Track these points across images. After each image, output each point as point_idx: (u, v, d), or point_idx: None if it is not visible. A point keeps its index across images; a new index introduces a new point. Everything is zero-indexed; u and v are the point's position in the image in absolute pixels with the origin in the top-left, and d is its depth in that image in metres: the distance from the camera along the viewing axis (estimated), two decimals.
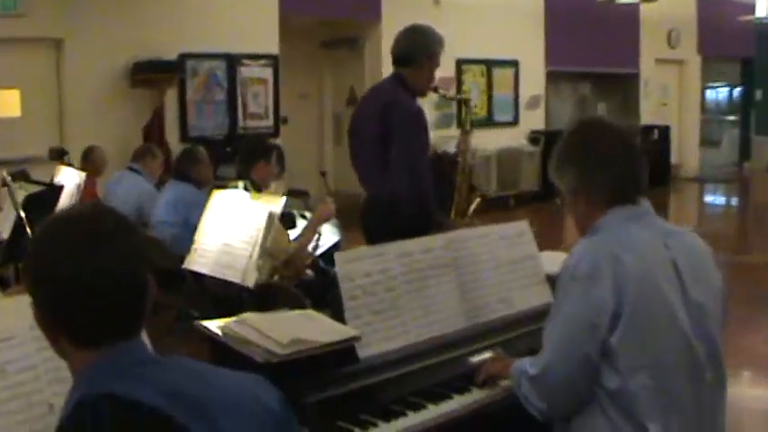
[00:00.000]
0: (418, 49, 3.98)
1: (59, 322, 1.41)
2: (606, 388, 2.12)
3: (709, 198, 14.71)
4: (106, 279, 1.38)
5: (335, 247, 5.68)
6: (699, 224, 11.95)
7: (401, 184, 3.81)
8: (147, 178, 6.05)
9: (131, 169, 6.14)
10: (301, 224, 4.77)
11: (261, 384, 1.56)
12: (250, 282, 3.35)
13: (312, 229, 4.37)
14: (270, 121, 9.67)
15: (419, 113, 3.92)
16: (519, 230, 3.11)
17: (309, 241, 4.38)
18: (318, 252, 4.71)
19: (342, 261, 2.53)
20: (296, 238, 4.36)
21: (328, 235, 5.27)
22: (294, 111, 10.52)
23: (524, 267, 3.03)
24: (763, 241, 9.36)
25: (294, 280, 4.24)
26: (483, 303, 2.83)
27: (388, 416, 2.30)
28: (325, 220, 4.47)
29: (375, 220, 4.03)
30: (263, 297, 3.48)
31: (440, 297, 2.72)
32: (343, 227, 5.66)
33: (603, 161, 2.27)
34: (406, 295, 2.63)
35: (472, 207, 4.66)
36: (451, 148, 4.48)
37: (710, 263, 2.30)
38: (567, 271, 2.22)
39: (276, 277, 3.82)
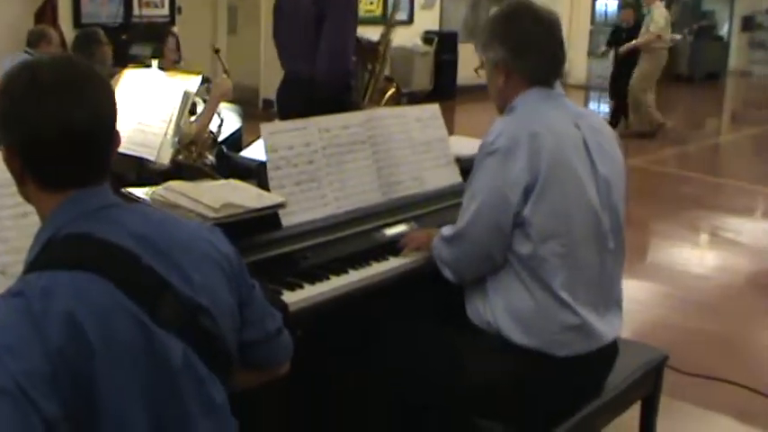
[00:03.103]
0: None
1: (25, 164, 1.45)
2: (519, 254, 2.30)
3: (593, 105, 15.15)
4: (70, 125, 1.41)
5: (238, 132, 5.70)
6: None
7: (326, 64, 3.87)
8: None
9: (27, 53, 5.93)
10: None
11: (215, 232, 1.64)
12: (165, 159, 3.36)
13: (212, 108, 4.32)
14: (165, 10, 9.43)
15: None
16: (432, 113, 3.22)
17: (210, 120, 4.37)
18: (221, 138, 4.72)
19: (267, 132, 2.60)
20: (196, 119, 4.34)
21: (230, 121, 5.28)
22: (189, 0, 10.26)
23: (435, 149, 3.15)
24: (636, 144, 9.82)
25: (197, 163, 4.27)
26: (397, 180, 2.95)
27: (313, 279, 2.42)
28: (223, 98, 4.45)
29: (293, 100, 4.09)
30: (176, 176, 3.51)
31: (357, 172, 2.82)
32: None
33: (527, 45, 2.40)
34: (326, 168, 2.73)
35: (387, 95, 4.75)
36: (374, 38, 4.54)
37: (614, 142, 2.49)
38: (484, 147, 2.36)
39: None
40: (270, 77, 10.40)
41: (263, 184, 2.60)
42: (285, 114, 4.31)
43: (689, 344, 3.97)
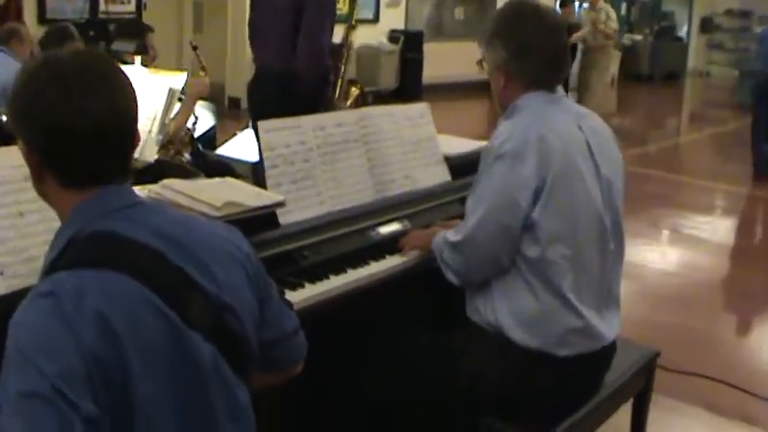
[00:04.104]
0: None
1: (45, 159, 1.42)
2: (526, 256, 2.29)
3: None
4: (92, 119, 1.38)
5: (212, 130, 5.66)
6: None
7: (306, 59, 3.86)
8: (17, 59, 5.74)
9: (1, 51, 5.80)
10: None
11: (234, 231, 1.62)
12: (150, 156, 3.32)
13: (189, 106, 4.28)
14: (132, 6, 9.35)
15: None
16: (421, 112, 3.21)
17: (187, 119, 4.32)
18: (195, 135, 4.68)
19: (263, 130, 2.57)
20: (173, 117, 4.29)
21: (204, 119, 5.23)
22: None
23: (425, 147, 3.15)
24: None
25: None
26: (389, 179, 2.94)
27: (313, 278, 2.40)
28: (201, 95, 4.40)
29: (268, 95, 4.06)
30: (159, 174, 3.46)
31: (350, 170, 2.81)
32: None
33: (528, 48, 2.38)
34: (321, 167, 2.71)
35: (351, 97, 4.74)
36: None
37: (613, 142, 2.50)
38: (491, 149, 2.34)
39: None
40: (236, 75, 10.37)
41: (260, 183, 2.57)
42: (258, 110, 4.29)
43: (660, 339, 4.02)
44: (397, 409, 2.48)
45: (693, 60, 19.73)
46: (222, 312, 1.45)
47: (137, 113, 1.47)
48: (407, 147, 3.06)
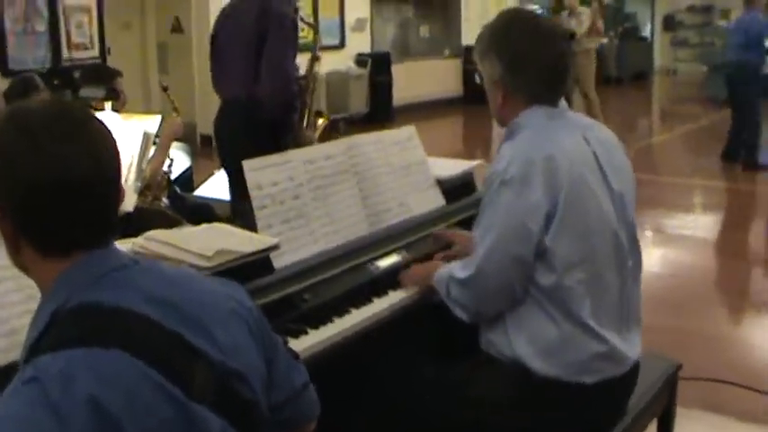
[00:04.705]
0: None
1: (20, 226, 1.26)
2: (541, 286, 2.14)
3: None
4: (69, 176, 1.23)
5: (188, 171, 5.51)
6: None
7: (270, 83, 3.77)
8: None
9: None
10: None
11: (233, 285, 1.48)
12: (129, 206, 3.18)
13: (164, 148, 4.15)
14: (95, 51, 9.17)
15: (294, 22, 3.86)
16: (408, 135, 3.08)
17: (163, 161, 4.19)
18: (172, 178, 4.54)
19: (250, 168, 2.42)
20: (149, 161, 4.15)
21: (179, 160, 5.09)
22: (118, 40, 10.02)
23: (416, 172, 3.02)
24: None
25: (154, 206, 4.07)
26: (383, 209, 2.81)
27: (316, 323, 2.26)
28: (174, 136, 4.27)
29: (233, 126, 3.95)
30: (139, 223, 3.32)
31: (343, 203, 2.67)
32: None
33: (522, 60, 2.23)
34: (312, 203, 2.57)
35: (319, 128, 4.64)
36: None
37: (621, 152, 2.36)
38: (495, 175, 2.18)
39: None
40: (205, 113, 10.19)
41: (249, 225, 2.42)
42: (225, 143, 4.19)
43: (656, 343, 3.91)
44: None
45: (659, 59, 19.81)
46: (228, 379, 1.30)
47: (119, 164, 1.32)
48: (399, 173, 2.93)
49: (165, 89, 4.20)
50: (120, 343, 1.19)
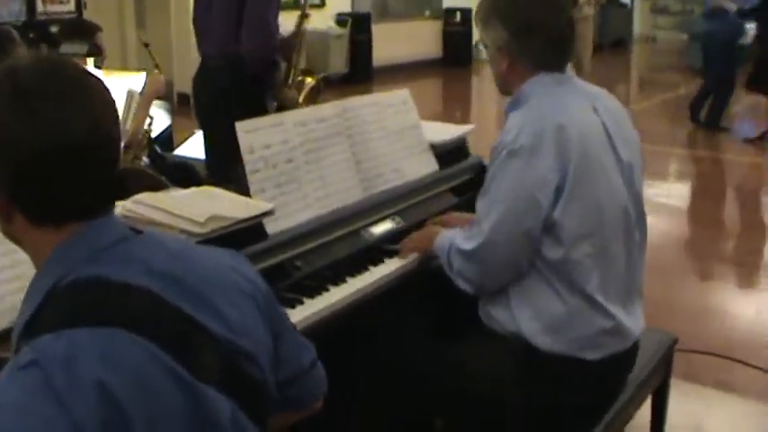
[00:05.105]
0: None
1: (13, 194, 1.15)
2: (548, 259, 2.08)
3: None
4: (66, 139, 1.12)
5: (168, 130, 5.38)
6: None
7: (252, 39, 3.64)
8: None
9: None
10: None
11: (238, 257, 1.39)
12: None
13: (145, 106, 4.01)
14: (71, 6, 8.90)
15: None
16: (403, 99, 2.99)
17: (144, 120, 4.06)
18: (152, 136, 4.41)
19: (242, 131, 2.32)
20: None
21: (159, 118, 4.95)
22: None
23: (410, 136, 2.93)
24: None
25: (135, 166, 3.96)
26: (377, 174, 2.72)
27: (312, 292, 2.17)
28: (156, 94, 4.14)
29: (215, 83, 3.83)
30: (122, 184, 3.21)
31: (336, 168, 2.58)
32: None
33: (531, 26, 2.14)
34: (305, 166, 2.48)
35: (307, 88, 4.52)
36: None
37: (629, 121, 2.28)
38: (503, 145, 2.09)
39: None
40: (184, 70, 9.99)
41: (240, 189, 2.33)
42: (202, 100, 4.08)
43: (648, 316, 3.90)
44: (410, 424, 2.29)
45: (639, 26, 19.72)
46: (236, 359, 1.21)
47: (117, 129, 1.21)
48: (393, 137, 2.84)
49: (146, 45, 4.05)
50: (125, 321, 1.10)
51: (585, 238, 2.05)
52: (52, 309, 1.12)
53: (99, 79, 1.23)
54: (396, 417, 2.37)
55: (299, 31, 4.31)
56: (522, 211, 2.04)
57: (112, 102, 1.22)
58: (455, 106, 12.31)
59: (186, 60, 9.63)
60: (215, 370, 1.17)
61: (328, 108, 2.64)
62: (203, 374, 1.14)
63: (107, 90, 1.22)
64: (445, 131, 3.18)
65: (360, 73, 12.48)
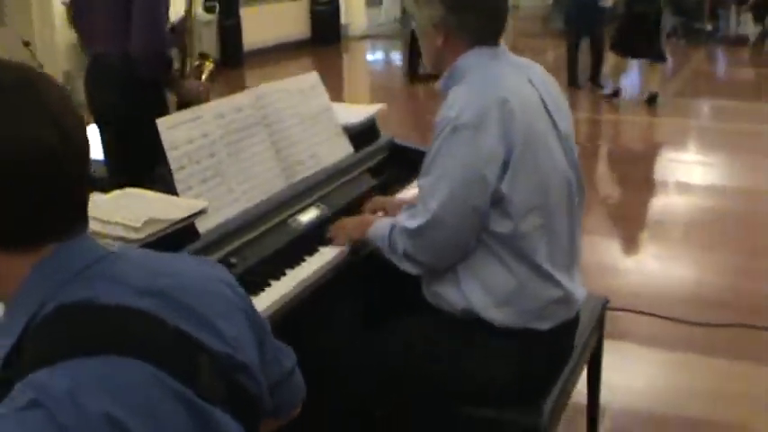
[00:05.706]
0: None
1: None
2: (497, 234, 2.06)
3: (377, 55, 15.11)
4: (37, 147, 1.00)
5: None
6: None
7: (142, 40, 3.47)
8: None
9: None
10: None
11: (218, 267, 1.31)
12: None
13: None
14: None
15: None
16: (312, 83, 2.93)
17: None
18: None
19: (164, 127, 2.22)
20: None
21: None
22: None
23: (324, 120, 2.88)
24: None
25: None
26: (297, 161, 2.66)
27: (255, 288, 2.10)
28: None
29: (107, 84, 3.66)
30: None
31: (257, 158, 2.51)
32: None
33: (467, 1, 2.12)
34: (227, 159, 2.39)
35: (206, 72, 4.39)
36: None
37: (560, 91, 2.29)
38: (447, 121, 2.05)
39: None
40: (48, 65, 9.60)
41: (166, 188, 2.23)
42: (96, 100, 3.89)
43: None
44: (365, 409, 2.26)
45: None
46: (235, 374, 1.15)
47: (86, 137, 1.10)
48: (307, 123, 2.78)
49: (27, 44, 3.84)
50: (125, 347, 1.01)
51: (533, 210, 2.05)
52: (40, 339, 1.02)
53: (63, 87, 1.12)
54: (335, 407, 2.32)
55: (189, 13, 4.16)
56: (469, 188, 2.02)
57: (74, 106, 1.11)
58: (328, 84, 12.14)
59: (49, 58, 9.26)
60: (220, 389, 1.10)
61: (242, 97, 2.56)
62: (209, 395, 1.07)
63: (66, 93, 1.11)
64: (355, 113, 3.14)
65: (231, 58, 12.25)
